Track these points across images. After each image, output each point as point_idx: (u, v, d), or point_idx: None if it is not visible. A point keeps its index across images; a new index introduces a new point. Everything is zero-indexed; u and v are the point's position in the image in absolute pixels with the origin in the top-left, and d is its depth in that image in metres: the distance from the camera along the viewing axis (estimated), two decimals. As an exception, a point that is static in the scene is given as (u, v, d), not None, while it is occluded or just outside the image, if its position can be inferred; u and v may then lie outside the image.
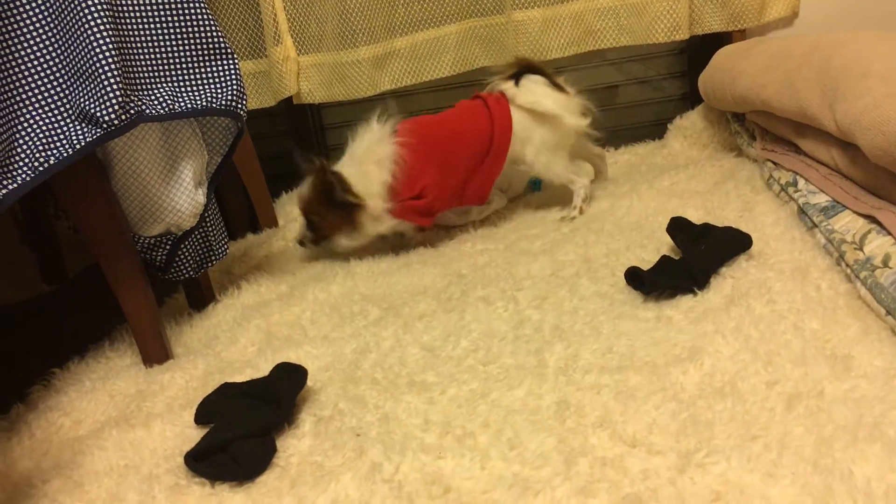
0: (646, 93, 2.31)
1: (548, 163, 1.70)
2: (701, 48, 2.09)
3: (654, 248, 1.40)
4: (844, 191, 1.31)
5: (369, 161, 1.57)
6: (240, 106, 1.32)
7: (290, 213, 2.13)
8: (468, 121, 1.66)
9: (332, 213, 1.58)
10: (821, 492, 0.75)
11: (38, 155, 1.07)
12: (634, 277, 1.25)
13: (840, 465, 0.78)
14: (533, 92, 1.65)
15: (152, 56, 1.21)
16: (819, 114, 1.35)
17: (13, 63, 1.08)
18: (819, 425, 0.85)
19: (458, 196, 1.68)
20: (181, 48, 1.25)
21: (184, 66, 1.26)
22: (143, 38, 1.19)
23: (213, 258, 1.49)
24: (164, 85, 1.23)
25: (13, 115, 1.08)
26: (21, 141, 1.07)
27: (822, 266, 1.21)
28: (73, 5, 1.08)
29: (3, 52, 1.07)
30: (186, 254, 1.43)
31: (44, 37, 1.10)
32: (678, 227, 1.33)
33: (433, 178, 1.60)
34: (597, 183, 1.86)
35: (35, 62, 1.09)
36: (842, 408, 0.87)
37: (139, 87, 1.18)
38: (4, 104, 1.06)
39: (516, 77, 1.67)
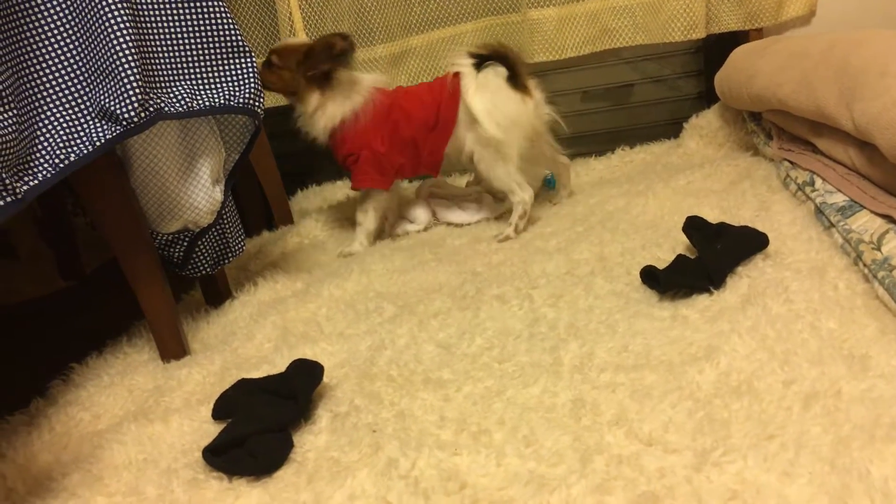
0: (661, 91, 2.30)
1: (490, 162, 1.63)
2: (717, 47, 2.08)
3: (669, 247, 1.40)
4: (862, 190, 1.31)
5: (347, 90, 1.64)
6: (257, 103, 1.32)
7: (305, 210, 2.15)
8: (426, 92, 1.68)
9: (295, 69, 1.62)
10: (838, 491, 0.75)
11: (58, 152, 1.08)
12: (650, 276, 1.25)
13: (857, 464, 0.78)
14: (479, 84, 1.57)
15: (171, 54, 1.22)
16: (836, 113, 1.34)
17: (34, 61, 1.09)
18: (836, 425, 0.85)
19: (415, 158, 1.71)
20: (200, 46, 1.26)
21: (202, 63, 1.27)
22: (162, 37, 1.20)
23: (229, 255, 1.50)
24: (183, 83, 1.24)
25: (34, 112, 1.09)
26: (42, 138, 1.08)
27: (839, 266, 1.21)
28: (93, 4, 1.09)
29: (25, 51, 1.08)
30: (203, 250, 1.44)
31: (64, 35, 1.11)
32: (694, 227, 1.33)
33: (374, 143, 1.65)
34: (558, 197, 1.83)
35: (56, 60, 1.11)
36: (859, 407, 0.87)
37: (158, 85, 1.19)
38: (26, 102, 1.08)
39: (483, 60, 1.59)
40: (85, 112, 1.12)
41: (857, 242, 1.20)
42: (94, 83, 1.12)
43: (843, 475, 0.77)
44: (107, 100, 1.11)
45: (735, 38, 2.00)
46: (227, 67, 1.30)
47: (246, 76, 1.31)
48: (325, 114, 1.64)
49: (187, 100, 1.23)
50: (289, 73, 1.62)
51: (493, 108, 1.56)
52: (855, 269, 1.19)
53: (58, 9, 1.10)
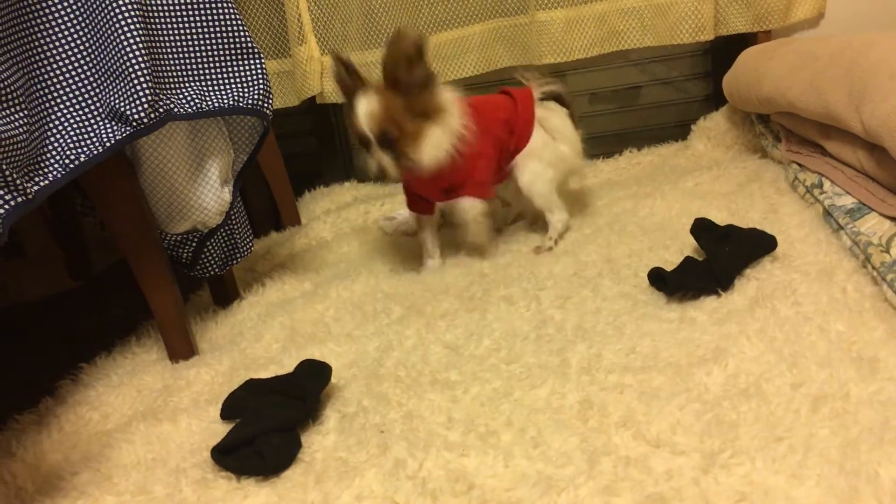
0: (669, 93, 2.30)
1: (535, 175, 1.54)
2: (725, 49, 2.08)
3: (677, 248, 1.39)
4: (870, 193, 1.30)
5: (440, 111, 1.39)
6: (266, 105, 1.33)
7: (312, 211, 2.15)
8: (496, 103, 1.56)
9: (412, 111, 1.34)
10: (846, 493, 0.75)
11: (68, 152, 1.09)
12: (658, 278, 1.25)
13: (866, 467, 0.78)
14: (550, 108, 1.57)
15: (181, 55, 1.23)
16: (845, 115, 1.34)
17: (45, 62, 1.10)
18: (845, 427, 0.85)
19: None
20: (209, 47, 1.26)
21: (212, 65, 1.27)
22: (172, 38, 1.21)
23: (237, 255, 1.50)
24: (192, 84, 1.25)
25: (45, 112, 1.09)
26: (52, 138, 1.09)
27: (847, 268, 1.20)
28: (104, 5, 1.10)
29: (35, 52, 1.09)
30: (212, 251, 1.44)
31: (75, 36, 1.11)
32: (702, 228, 1.33)
33: (486, 157, 1.49)
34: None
35: (66, 61, 1.11)
36: (868, 410, 0.87)
37: (168, 86, 1.20)
38: (36, 102, 1.08)
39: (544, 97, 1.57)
40: (95, 113, 1.13)
41: (865, 245, 1.19)
42: (105, 84, 1.13)
43: (851, 478, 0.76)
44: (117, 100, 1.12)
45: (743, 41, 2.00)
46: (236, 69, 1.30)
47: (255, 77, 1.31)
48: (434, 144, 1.38)
49: (197, 101, 1.24)
50: (414, 116, 1.35)
51: (561, 126, 1.56)
52: (863, 272, 1.18)
53: (68, 10, 1.11)
